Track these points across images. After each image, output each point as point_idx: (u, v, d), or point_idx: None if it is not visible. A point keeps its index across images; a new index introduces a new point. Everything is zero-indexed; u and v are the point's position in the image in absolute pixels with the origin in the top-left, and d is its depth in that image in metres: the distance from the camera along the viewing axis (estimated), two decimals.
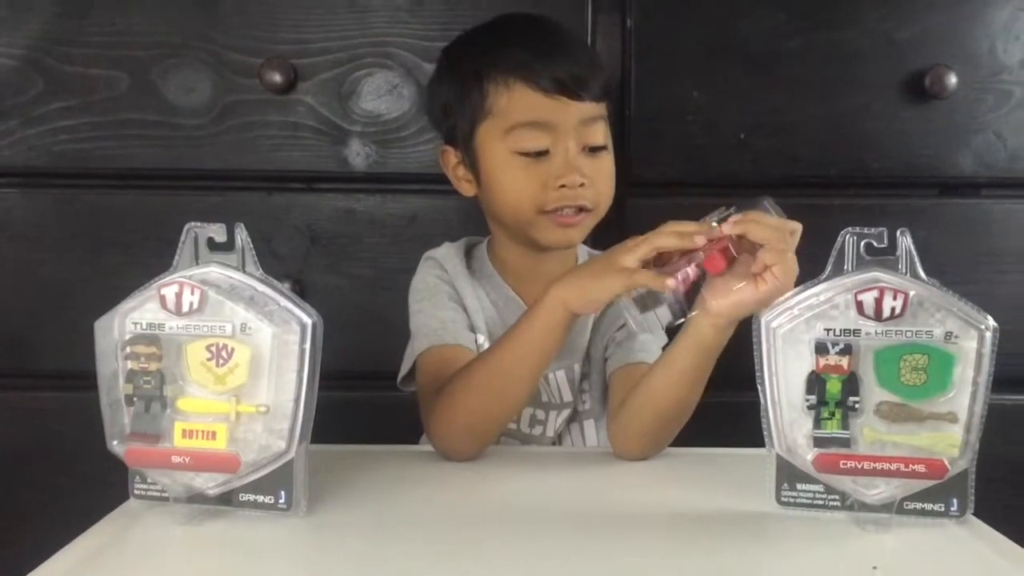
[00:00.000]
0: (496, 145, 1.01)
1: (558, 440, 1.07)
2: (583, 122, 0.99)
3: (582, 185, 0.99)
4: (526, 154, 0.99)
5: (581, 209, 1.00)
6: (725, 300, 0.79)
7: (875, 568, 0.64)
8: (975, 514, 0.72)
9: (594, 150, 1.01)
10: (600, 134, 1.01)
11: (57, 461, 1.26)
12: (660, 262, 0.81)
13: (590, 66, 1.01)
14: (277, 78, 1.20)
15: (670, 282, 0.78)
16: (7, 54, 1.23)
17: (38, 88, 1.23)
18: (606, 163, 1.02)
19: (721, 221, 0.79)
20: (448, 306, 1.04)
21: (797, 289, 0.73)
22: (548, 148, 0.99)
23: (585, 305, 0.85)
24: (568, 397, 1.06)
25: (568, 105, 0.98)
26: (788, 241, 0.77)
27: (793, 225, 0.78)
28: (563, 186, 0.98)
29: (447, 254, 1.09)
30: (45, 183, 1.26)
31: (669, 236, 0.80)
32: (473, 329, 1.04)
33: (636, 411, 0.90)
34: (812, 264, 0.73)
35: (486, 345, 1.03)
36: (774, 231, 0.77)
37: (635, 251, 0.80)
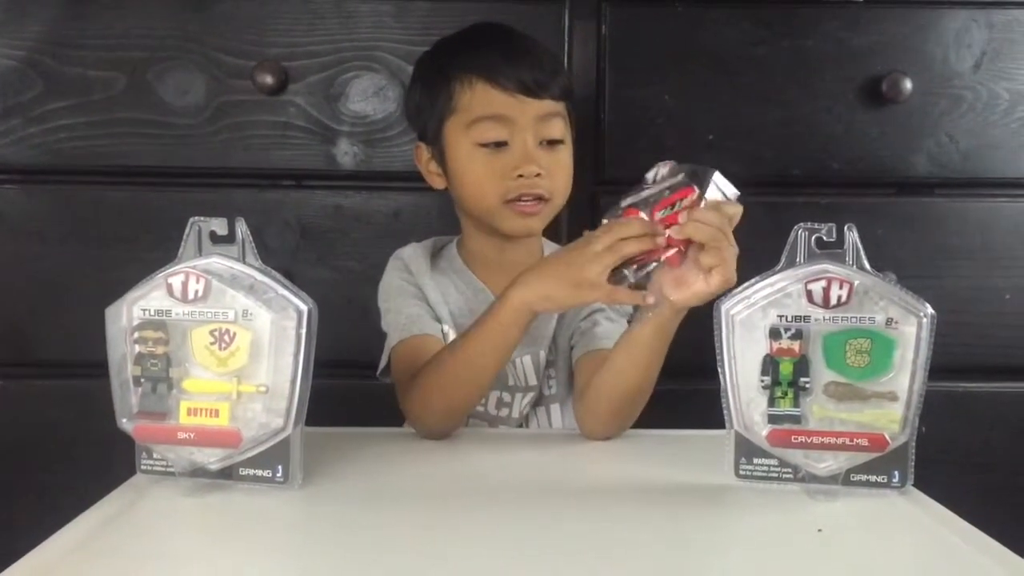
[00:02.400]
0: (460, 139, 1.07)
1: (525, 422, 1.12)
2: (540, 118, 1.05)
3: (539, 175, 1.05)
4: (486, 145, 1.05)
5: (539, 198, 1.06)
6: (685, 292, 0.86)
7: (820, 530, 0.69)
8: (923, 489, 0.77)
9: (551, 143, 1.07)
10: (557, 129, 1.07)
11: (58, 447, 1.28)
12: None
13: (550, 70, 1.07)
14: (268, 80, 1.24)
15: (650, 299, 0.86)
16: (8, 55, 1.25)
17: (38, 88, 1.26)
18: (563, 156, 1.08)
19: (675, 188, 0.85)
20: (413, 303, 1.10)
21: (754, 280, 0.78)
22: (507, 140, 1.05)
23: (553, 308, 0.92)
24: (533, 381, 1.11)
25: (526, 103, 1.04)
26: (728, 235, 0.83)
27: (733, 210, 0.84)
28: (521, 176, 1.04)
29: (412, 254, 1.15)
30: (45, 180, 1.29)
31: (632, 244, 0.85)
32: (439, 320, 1.10)
33: (604, 390, 0.96)
34: (773, 258, 0.78)
35: (451, 334, 1.09)
36: (713, 232, 0.82)
37: (602, 261, 0.85)
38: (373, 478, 0.84)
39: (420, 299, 1.11)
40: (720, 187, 0.85)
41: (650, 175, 0.89)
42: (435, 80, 1.09)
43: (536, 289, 0.90)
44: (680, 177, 0.86)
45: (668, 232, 0.84)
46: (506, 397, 1.11)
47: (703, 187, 0.84)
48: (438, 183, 1.14)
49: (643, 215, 0.86)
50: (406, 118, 1.22)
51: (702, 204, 0.84)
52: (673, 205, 0.85)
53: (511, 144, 1.05)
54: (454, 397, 0.96)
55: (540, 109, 1.05)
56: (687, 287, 0.85)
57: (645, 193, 0.87)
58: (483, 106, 1.05)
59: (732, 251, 0.84)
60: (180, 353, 0.76)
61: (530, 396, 1.11)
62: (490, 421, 1.11)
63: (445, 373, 0.96)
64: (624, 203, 0.88)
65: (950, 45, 1.28)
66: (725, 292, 0.81)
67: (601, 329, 1.08)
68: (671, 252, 0.85)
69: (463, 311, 1.12)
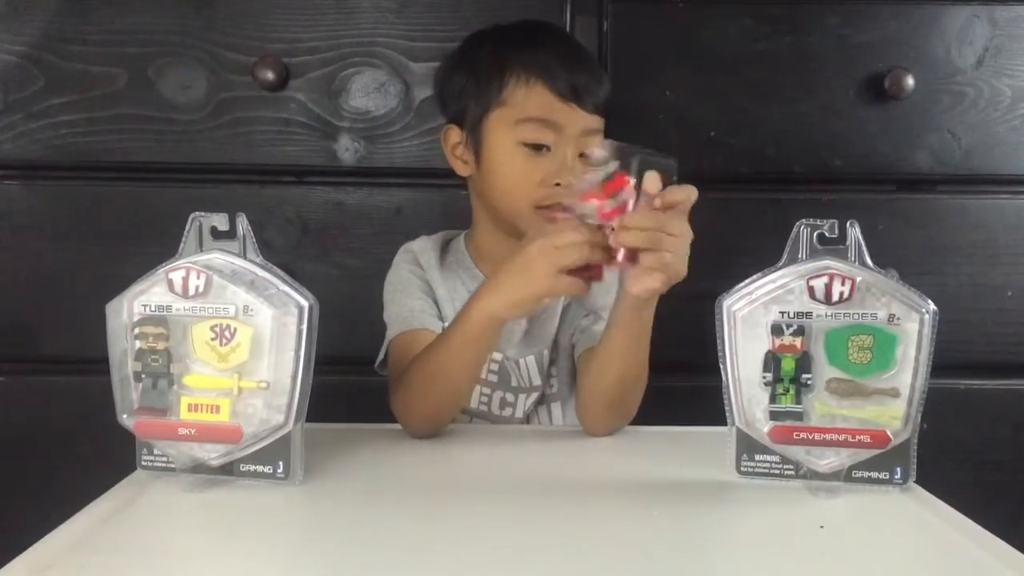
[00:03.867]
0: (504, 134, 1.06)
1: (527, 421, 1.12)
2: (585, 132, 1.05)
3: None
4: (529, 146, 1.05)
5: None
6: (638, 287, 0.85)
7: (822, 527, 0.69)
8: (925, 486, 0.77)
9: (583, 159, 1.05)
10: (595, 146, 1.06)
11: (59, 443, 1.29)
12: None
13: (598, 77, 1.08)
14: (269, 76, 1.24)
15: (586, 288, 0.87)
16: (10, 51, 1.25)
17: (39, 84, 1.26)
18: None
19: (610, 175, 0.83)
20: (418, 296, 1.10)
21: (756, 276, 0.78)
22: (551, 145, 1.04)
23: (511, 311, 0.91)
24: (537, 381, 1.11)
25: (576, 112, 1.04)
26: (669, 229, 0.82)
27: (682, 196, 0.82)
28: (558, 184, 1.04)
29: (423, 247, 1.15)
30: (46, 175, 1.29)
31: (579, 251, 0.84)
32: (442, 318, 1.10)
33: (593, 387, 0.97)
34: (776, 254, 0.78)
35: None
36: (648, 236, 0.82)
37: (557, 261, 0.85)
38: (374, 474, 0.84)
39: (426, 293, 1.11)
40: (655, 168, 0.82)
41: (597, 154, 0.86)
42: (488, 68, 1.08)
43: (495, 295, 0.90)
44: (614, 165, 0.84)
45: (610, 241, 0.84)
46: (509, 397, 1.11)
47: (632, 174, 0.82)
48: (462, 169, 1.12)
49: (595, 202, 0.84)
50: (436, 98, 1.19)
51: (637, 196, 0.82)
52: (612, 194, 0.83)
53: (554, 151, 1.05)
54: (432, 404, 0.97)
55: (587, 123, 1.05)
56: (640, 281, 0.85)
57: (589, 177, 0.85)
58: (536, 107, 1.05)
59: (677, 242, 0.83)
60: (181, 349, 0.76)
61: (534, 396, 1.12)
62: (493, 421, 1.12)
63: (423, 380, 0.96)
64: (577, 188, 0.87)
65: (952, 41, 1.28)
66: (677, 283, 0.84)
67: (600, 326, 1.07)
68: (619, 259, 0.84)
69: None
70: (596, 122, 1.07)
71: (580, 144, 1.05)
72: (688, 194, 0.83)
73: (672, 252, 0.82)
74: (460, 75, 1.12)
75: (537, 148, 1.05)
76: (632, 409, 0.98)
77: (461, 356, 0.94)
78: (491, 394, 1.11)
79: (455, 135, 1.12)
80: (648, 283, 0.84)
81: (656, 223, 0.82)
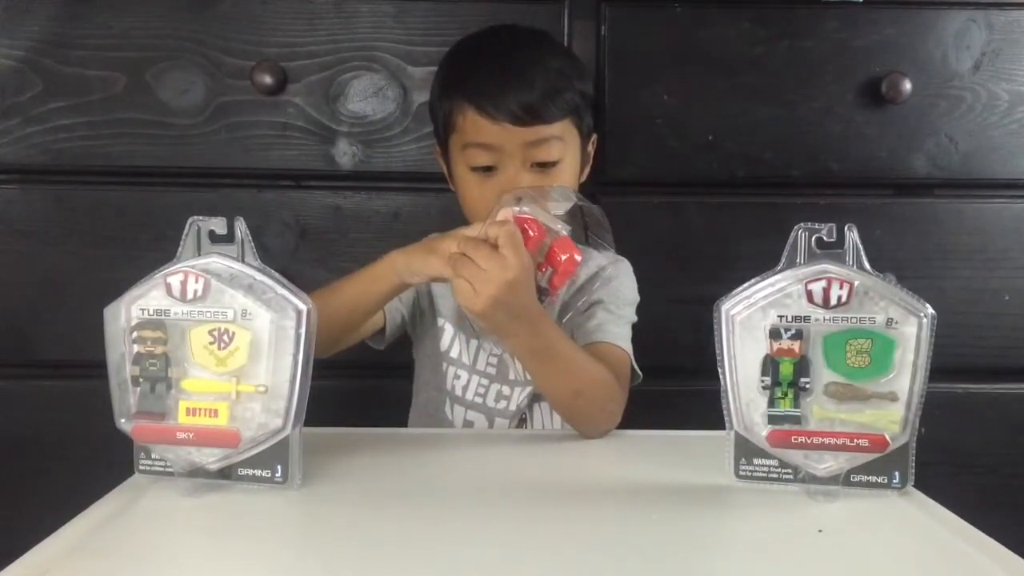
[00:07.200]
0: (458, 159, 1.09)
1: (527, 415, 1.13)
2: (531, 143, 1.05)
3: None
4: (477, 169, 1.07)
5: None
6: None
7: (820, 531, 0.69)
8: (923, 490, 0.77)
9: (544, 166, 1.07)
10: (552, 151, 1.06)
11: (56, 448, 1.29)
12: None
13: (543, 94, 1.05)
14: (267, 80, 1.24)
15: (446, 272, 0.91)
16: (7, 55, 1.25)
17: (37, 88, 1.26)
18: (557, 178, 1.07)
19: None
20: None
21: (754, 280, 0.77)
22: (495, 165, 1.06)
23: (408, 274, 0.95)
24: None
25: (513, 131, 1.04)
26: (467, 262, 0.87)
27: (491, 234, 0.88)
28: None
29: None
30: (44, 180, 1.29)
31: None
32: (435, 312, 1.14)
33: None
34: (773, 258, 0.78)
35: (446, 327, 1.14)
36: (455, 257, 0.89)
37: (455, 241, 0.90)
38: (372, 478, 0.84)
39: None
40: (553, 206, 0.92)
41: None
42: (441, 93, 1.12)
43: (404, 257, 0.96)
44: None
45: None
46: (505, 391, 1.12)
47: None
48: (452, 186, 1.15)
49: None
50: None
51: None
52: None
53: (499, 169, 1.06)
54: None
55: (530, 135, 1.05)
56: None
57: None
58: (472, 133, 1.06)
59: (476, 272, 0.87)
60: (179, 353, 0.76)
61: (528, 390, 1.12)
62: (487, 413, 1.13)
63: (320, 294, 1.00)
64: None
65: (949, 46, 1.28)
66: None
67: (594, 322, 1.09)
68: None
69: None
70: (544, 131, 1.05)
71: (528, 155, 1.06)
72: (505, 231, 0.87)
73: (469, 278, 0.87)
74: (432, 98, 1.15)
75: (486, 169, 1.07)
76: (600, 417, 0.98)
77: (355, 287, 1.00)
78: (488, 386, 1.13)
79: (439, 156, 1.16)
80: (458, 296, 0.89)
81: (467, 250, 0.87)
